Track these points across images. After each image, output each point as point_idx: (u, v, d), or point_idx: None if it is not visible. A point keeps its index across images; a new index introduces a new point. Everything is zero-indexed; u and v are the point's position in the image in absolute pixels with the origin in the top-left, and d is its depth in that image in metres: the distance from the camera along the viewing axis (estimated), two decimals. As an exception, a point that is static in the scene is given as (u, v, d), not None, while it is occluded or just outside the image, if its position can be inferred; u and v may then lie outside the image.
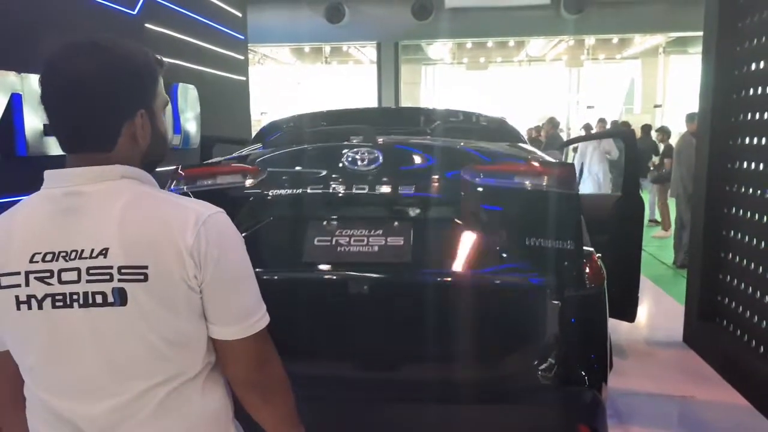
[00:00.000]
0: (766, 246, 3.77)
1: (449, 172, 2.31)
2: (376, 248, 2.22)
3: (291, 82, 24.36)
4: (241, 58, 6.31)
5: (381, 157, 2.30)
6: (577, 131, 15.41)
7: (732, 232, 4.23)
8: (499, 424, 2.32)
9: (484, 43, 19.76)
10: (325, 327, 2.27)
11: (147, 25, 4.27)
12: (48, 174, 1.18)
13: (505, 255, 2.24)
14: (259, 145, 2.94)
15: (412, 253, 2.22)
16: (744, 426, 3.46)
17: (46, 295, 1.10)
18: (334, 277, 2.26)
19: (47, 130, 3.30)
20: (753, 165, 3.95)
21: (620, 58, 22.61)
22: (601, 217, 3.74)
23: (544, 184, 2.27)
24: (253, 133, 5.42)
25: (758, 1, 3.93)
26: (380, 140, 2.41)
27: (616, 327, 4.22)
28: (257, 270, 1.26)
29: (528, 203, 2.30)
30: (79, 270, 1.09)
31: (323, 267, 2.23)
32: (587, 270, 2.42)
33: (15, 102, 3.10)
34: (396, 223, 2.28)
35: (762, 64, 3.89)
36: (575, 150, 11.23)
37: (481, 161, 2.34)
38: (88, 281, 1.09)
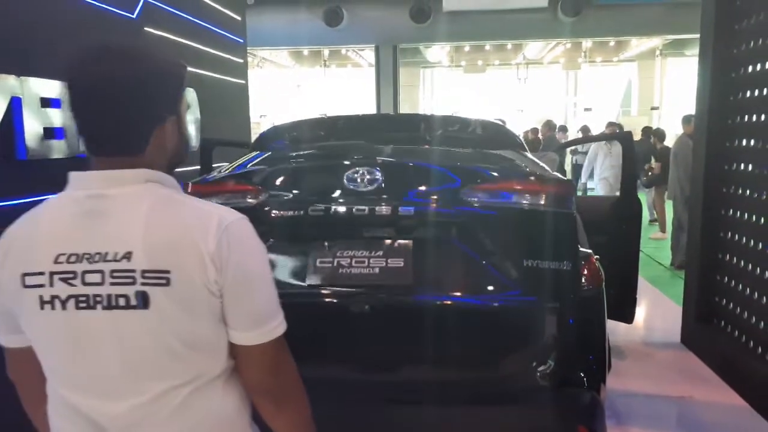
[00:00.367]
0: (763, 247, 3.79)
1: (449, 192, 2.31)
2: (377, 270, 2.24)
3: (290, 85, 24.37)
4: (241, 61, 6.31)
5: (381, 177, 2.30)
6: (575, 134, 15.40)
7: (729, 233, 4.24)
8: (499, 426, 2.33)
9: (481, 46, 19.78)
10: (328, 350, 2.29)
11: (146, 28, 4.28)
12: (73, 176, 1.19)
13: (503, 275, 2.27)
14: (258, 152, 2.92)
15: (413, 275, 2.23)
16: (742, 427, 3.47)
17: (69, 296, 1.11)
18: (335, 301, 2.26)
19: (47, 134, 3.30)
20: (750, 167, 3.97)
21: (617, 60, 22.64)
22: (600, 219, 3.76)
23: (543, 202, 2.27)
24: (253, 136, 5.43)
25: (755, 3, 3.95)
26: (380, 159, 2.40)
27: (614, 328, 4.23)
28: None
29: (527, 222, 2.30)
30: (102, 272, 1.10)
31: (326, 291, 2.24)
32: (585, 272, 2.43)
33: (14, 105, 3.10)
34: (396, 244, 2.30)
35: (759, 67, 3.91)
36: (573, 152, 11.26)
37: (480, 179, 2.34)
38: (111, 284, 1.10)
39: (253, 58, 19.43)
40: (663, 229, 9.35)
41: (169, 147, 1.22)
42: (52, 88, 3.35)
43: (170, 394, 1.15)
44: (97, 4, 3.82)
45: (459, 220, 2.29)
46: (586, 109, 22.45)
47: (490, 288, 2.25)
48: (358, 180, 2.30)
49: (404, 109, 19.20)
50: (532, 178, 2.36)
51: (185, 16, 4.94)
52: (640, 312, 4.12)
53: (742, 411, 3.65)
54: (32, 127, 3.19)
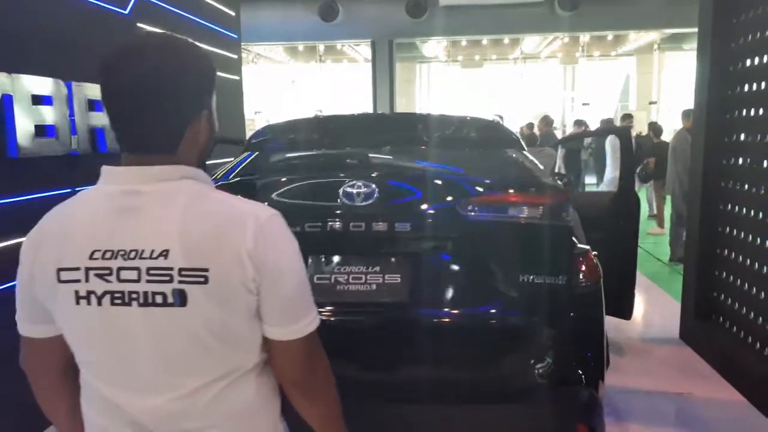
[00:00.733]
0: (762, 243, 3.77)
1: (444, 206, 2.31)
2: (374, 286, 2.26)
3: (285, 81, 24.30)
4: (235, 57, 6.28)
5: (376, 191, 2.29)
6: (572, 128, 15.39)
7: (728, 228, 4.23)
8: (498, 425, 2.32)
9: (478, 40, 19.74)
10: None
11: (139, 24, 4.24)
12: (105, 170, 1.18)
13: (498, 289, 2.30)
14: (250, 153, 2.87)
15: (409, 291, 2.26)
16: (741, 422, 3.46)
17: (105, 292, 1.12)
18: (333, 320, 2.27)
19: (39, 131, 3.27)
20: (748, 161, 3.95)
21: (615, 54, 22.62)
22: (598, 215, 3.74)
23: (538, 215, 2.28)
24: (248, 133, 5.39)
25: (753, -3, 3.93)
26: (374, 174, 2.40)
27: (612, 324, 4.22)
28: None
29: (523, 235, 2.31)
30: (139, 270, 1.10)
31: (324, 309, 2.23)
32: (583, 268, 2.42)
33: (5, 103, 3.07)
34: (393, 259, 2.31)
35: (757, 60, 3.89)
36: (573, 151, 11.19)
37: (474, 193, 2.33)
38: (148, 281, 1.10)
39: (248, 54, 19.37)
40: (661, 225, 9.35)
41: (201, 141, 1.22)
42: (44, 85, 3.32)
43: (205, 388, 1.16)
44: (89, 0, 3.78)
45: (455, 234, 2.30)
46: (584, 104, 22.44)
47: (485, 302, 2.28)
48: (354, 195, 2.29)
49: (401, 104, 19.17)
50: (527, 190, 2.35)
51: (178, 11, 4.91)
52: (639, 308, 4.11)
53: (741, 407, 3.64)
54: (24, 124, 3.16)
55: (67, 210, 1.19)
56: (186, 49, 1.18)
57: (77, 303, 1.13)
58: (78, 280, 1.12)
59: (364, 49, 19.66)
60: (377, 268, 2.28)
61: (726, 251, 4.25)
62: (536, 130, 12.43)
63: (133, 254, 1.11)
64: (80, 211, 1.17)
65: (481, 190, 2.33)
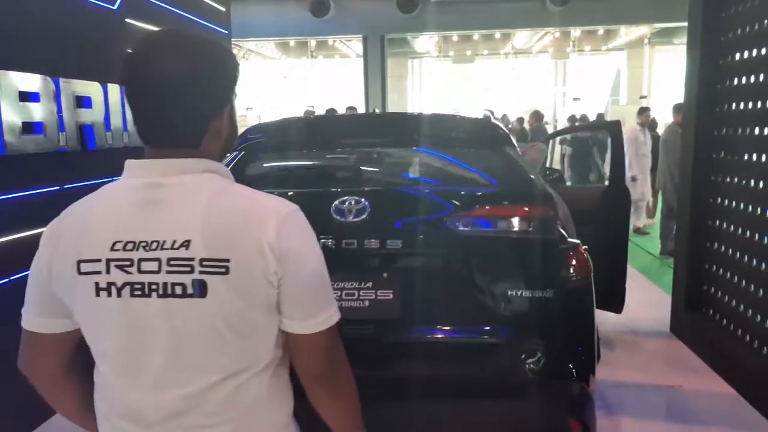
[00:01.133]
0: (751, 235, 3.79)
1: (435, 220, 2.32)
2: (367, 303, 2.29)
3: (277, 77, 24.23)
4: (225, 53, 6.25)
5: (368, 207, 2.29)
6: (564, 123, 15.43)
7: (718, 221, 4.24)
8: (489, 419, 2.32)
9: (470, 35, 19.74)
10: None
11: (128, 20, 4.21)
12: (129, 164, 1.19)
13: (489, 304, 2.31)
14: (238, 153, 2.84)
15: (401, 308, 2.29)
16: (731, 415, 3.48)
17: (125, 284, 1.11)
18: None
19: (26, 128, 3.24)
20: (737, 155, 3.96)
21: (606, 49, 22.67)
22: (588, 209, 3.75)
23: (526, 228, 2.29)
24: (240, 129, 5.35)
25: (742, -10, 3.94)
26: (367, 188, 2.40)
27: (603, 318, 4.23)
28: None
29: (512, 249, 2.32)
30: (159, 260, 1.10)
31: None
32: (573, 262, 2.42)
33: (-8, 99, 3.05)
34: (385, 275, 2.32)
35: (746, 54, 3.90)
36: (562, 142, 11.20)
37: (465, 205, 2.34)
38: (168, 272, 1.10)
39: (239, 50, 19.29)
40: (652, 215, 9.41)
41: (224, 136, 1.24)
42: (31, 81, 3.29)
43: (218, 386, 1.16)
44: (77, -5, 3.75)
45: (445, 249, 2.31)
46: (575, 99, 22.48)
47: (477, 313, 2.30)
48: (346, 211, 2.29)
49: (392, 99, 19.14)
50: (516, 202, 2.36)
51: (167, 7, 4.87)
52: (630, 301, 4.11)
53: (732, 399, 3.66)
54: (11, 121, 3.13)
55: (89, 203, 1.19)
56: (210, 46, 1.19)
57: (97, 295, 1.13)
58: (99, 272, 1.12)
59: (355, 45, 19.63)
60: (370, 284, 2.30)
61: (716, 244, 4.27)
62: (526, 125, 12.45)
63: (154, 245, 1.11)
64: (102, 204, 1.18)
65: (470, 204, 2.34)
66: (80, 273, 1.13)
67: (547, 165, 5.87)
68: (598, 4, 13.74)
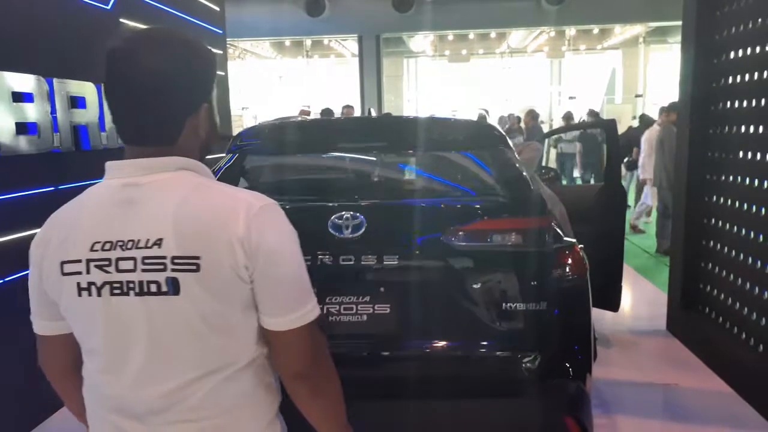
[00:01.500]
0: (746, 233, 3.79)
1: (431, 235, 2.33)
2: (364, 317, 2.30)
3: (272, 77, 24.19)
4: (220, 52, 6.24)
5: (365, 222, 2.30)
6: (559, 122, 15.44)
7: (713, 220, 4.25)
8: (486, 419, 2.32)
9: (465, 35, 19.75)
10: None
11: (122, 20, 4.20)
12: (109, 165, 1.20)
13: (485, 314, 2.32)
14: (232, 156, 2.82)
15: (397, 322, 2.31)
16: (728, 413, 3.48)
17: (104, 283, 1.13)
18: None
19: (20, 129, 3.23)
20: (732, 153, 3.97)
21: (601, 48, 22.70)
22: (584, 208, 3.75)
23: (523, 239, 2.31)
24: (235, 129, 5.34)
25: (736, -11, 3.94)
26: (363, 203, 2.41)
27: (599, 316, 4.23)
28: None
29: (508, 260, 2.34)
30: (135, 259, 1.12)
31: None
32: (570, 261, 2.42)
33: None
34: (382, 289, 2.33)
35: (740, 53, 3.90)
36: (558, 141, 11.21)
37: (462, 218, 2.36)
38: (143, 270, 1.11)
39: (234, 50, 19.26)
40: (648, 213, 9.43)
41: (203, 134, 1.23)
42: (25, 82, 3.28)
43: (200, 381, 1.16)
44: (70, -5, 3.73)
45: (442, 263, 2.32)
46: (571, 98, 22.51)
47: (474, 326, 2.31)
48: (343, 227, 2.29)
49: (388, 99, 19.14)
50: (511, 216, 2.39)
51: (162, 6, 4.86)
52: (626, 300, 4.12)
53: (728, 397, 3.67)
54: (4, 122, 3.12)
55: (73, 205, 1.21)
56: (187, 43, 1.19)
57: (79, 295, 1.15)
58: (79, 272, 1.14)
59: (351, 44, 19.61)
60: (368, 298, 2.31)
61: (712, 243, 4.27)
62: (522, 124, 12.45)
63: (130, 244, 1.12)
64: (84, 205, 1.20)
65: (466, 217, 2.36)
66: (63, 274, 1.15)
67: (543, 164, 5.88)
68: (593, 3, 13.76)
